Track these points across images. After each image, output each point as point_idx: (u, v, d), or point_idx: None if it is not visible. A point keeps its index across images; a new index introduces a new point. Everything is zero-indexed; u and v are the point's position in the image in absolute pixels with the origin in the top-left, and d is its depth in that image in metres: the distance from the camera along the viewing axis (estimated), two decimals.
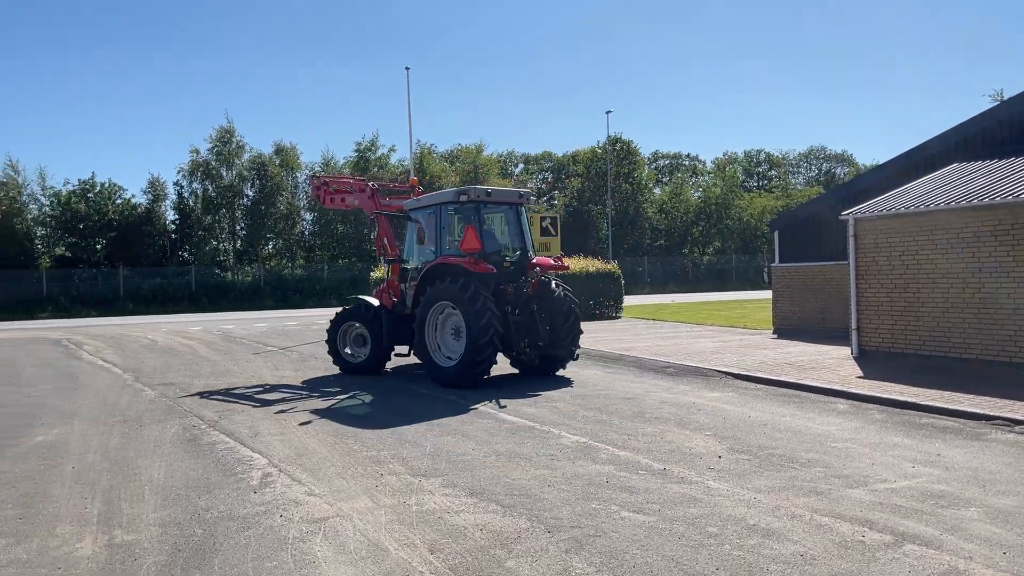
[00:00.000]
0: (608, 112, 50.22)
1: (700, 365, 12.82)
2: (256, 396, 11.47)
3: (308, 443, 8.33)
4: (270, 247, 46.94)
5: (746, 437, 8.17)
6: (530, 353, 12.27)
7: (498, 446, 7.97)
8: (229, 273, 44.22)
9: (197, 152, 44.43)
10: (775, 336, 17.41)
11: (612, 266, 24.82)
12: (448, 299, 11.69)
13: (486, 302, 11.36)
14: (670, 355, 14.17)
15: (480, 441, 8.21)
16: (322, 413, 9.99)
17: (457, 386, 11.58)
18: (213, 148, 44.20)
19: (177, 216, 45.47)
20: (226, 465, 7.45)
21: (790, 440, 8.02)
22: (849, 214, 13.54)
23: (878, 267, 13.19)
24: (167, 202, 45.58)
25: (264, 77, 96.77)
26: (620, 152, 53.79)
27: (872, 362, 12.80)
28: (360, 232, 47.76)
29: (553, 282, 12.71)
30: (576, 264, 24.57)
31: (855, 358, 13.27)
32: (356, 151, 47.04)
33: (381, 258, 14.73)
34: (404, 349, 13.63)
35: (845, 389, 10.30)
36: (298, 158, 46.82)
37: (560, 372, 12.95)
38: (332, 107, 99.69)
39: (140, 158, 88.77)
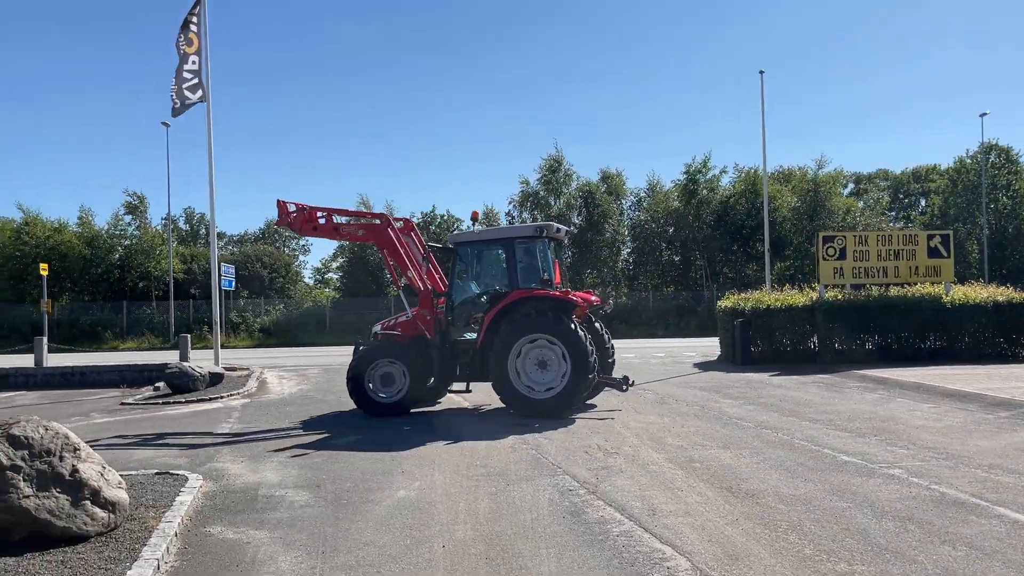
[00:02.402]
0: (983, 115, 42.39)
1: None
2: (625, 449, 9.45)
3: (732, 535, 6.01)
4: (594, 275, 46.18)
5: None
6: (616, 381, 12.76)
7: None
8: None
9: (527, 182, 45.23)
10: None
11: None
12: (544, 331, 11.83)
13: (584, 333, 11.86)
14: None
15: (1011, 562, 5.29)
16: (721, 480, 7.65)
17: (552, 416, 11.65)
18: (542, 177, 44.65)
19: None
20: (634, 567, 5.38)
21: None
22: None
23: None
24: None
25: (593, 100, 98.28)
26: (997, 161, 45.54)
27: None
28: (687, 259, 45.36)
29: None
30: (975, 292, 19.91)
31: None
32: (685, 173, 44.69)
33: (401, 291, 13.53)
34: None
35: None
36: (624, 184, 45.73)
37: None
38: (660, 130, 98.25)
39: (475, 189, 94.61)
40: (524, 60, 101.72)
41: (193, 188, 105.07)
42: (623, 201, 46.32)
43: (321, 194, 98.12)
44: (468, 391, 13.19)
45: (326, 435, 11.02)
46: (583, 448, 9.56)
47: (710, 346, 24.49)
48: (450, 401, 14.02)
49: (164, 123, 39.12)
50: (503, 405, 12.39)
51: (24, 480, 5.77)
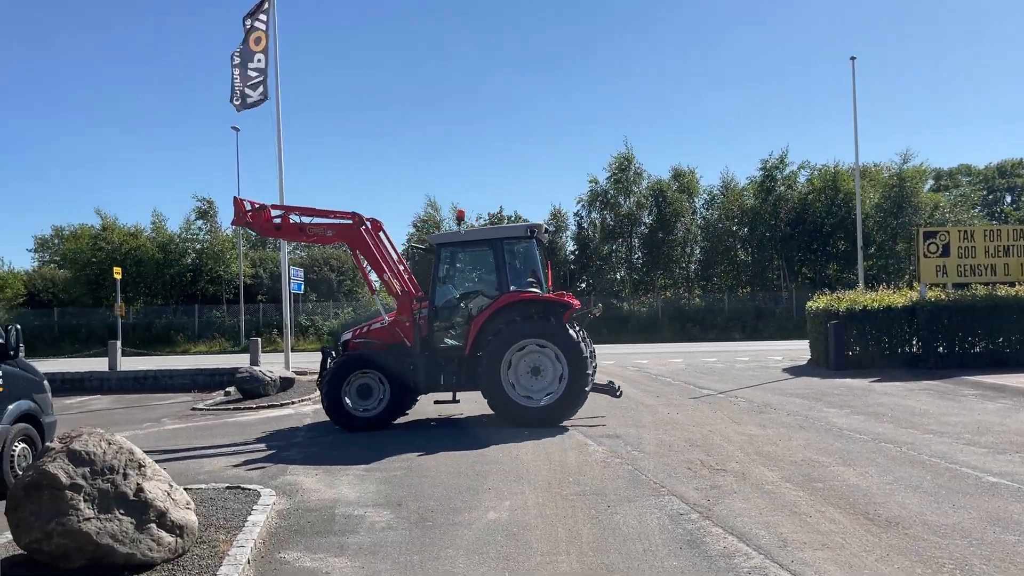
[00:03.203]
0: None
1: None
2: (732, 465, 8.53)
3: (888, 575, 5.09)
4: (665, 276, 44.91)
5: None
6: (608, 387, 12.80)
7: None
8: (625, 304, 43.06)
9: (596, 182, 44.20)
10: None
11: None
12: (542, 336, 11.32)
13: (581, 337, 11.56)
14: None
15: None
16: (852, 504, 6.68)
17: (547, 424, 11.18)
18: (611, 176, 43.57)
19: (576, 247, 45.60)
20: None
21: None
22: None
23: None
24: (567, 232, 45.91)
25: (664, 96, 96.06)
26: None
27: None
28: (762, 259, 43.70)
29: None
30: None
31: None
32: (761, 170, 43.04)
33: (376, 295, 13.54)
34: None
35: None
36: (696, 182, 44.29)
37: None
38: (732, 126, 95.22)
39: (543, 189, 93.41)
40: (592, 56, 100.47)
41: (253, 189, 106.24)
42: (696, 199, 44.88)
43: (387, 196, 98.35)
44: (455, 401, 12.20)
45: (402, 444, 10.36)
46: (684, 463, 8.68)
47: (796, 349, 23.20)
48: (419, 412, 13.07)
49: (234, 127, 39.37)
50: (481, 413, 11.76)
51: (85, 501, 5.23)
